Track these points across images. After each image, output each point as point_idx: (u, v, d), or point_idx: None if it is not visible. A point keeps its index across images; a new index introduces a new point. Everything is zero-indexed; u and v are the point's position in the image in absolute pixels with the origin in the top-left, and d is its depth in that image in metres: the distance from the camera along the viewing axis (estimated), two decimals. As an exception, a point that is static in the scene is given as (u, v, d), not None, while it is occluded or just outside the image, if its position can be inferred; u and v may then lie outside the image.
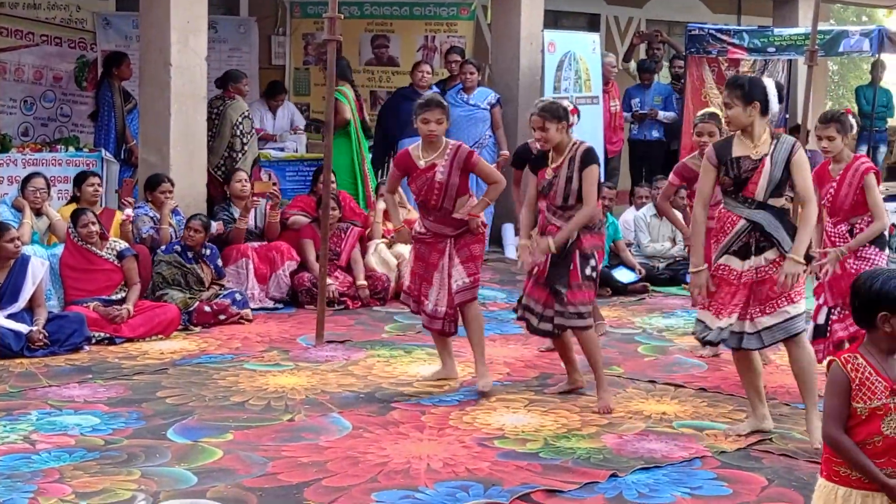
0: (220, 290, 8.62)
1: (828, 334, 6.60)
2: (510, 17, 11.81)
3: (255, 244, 9.28)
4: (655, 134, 13.06)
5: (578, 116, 6.53)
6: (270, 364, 7.23)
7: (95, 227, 8.10)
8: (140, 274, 8.25)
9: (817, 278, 6.68)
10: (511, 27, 11.84)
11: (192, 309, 8.31)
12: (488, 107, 11.28)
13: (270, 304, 9.08)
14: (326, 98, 8.27)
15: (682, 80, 12.81)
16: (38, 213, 8.52)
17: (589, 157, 6.25)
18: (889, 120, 14.66)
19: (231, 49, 12.69)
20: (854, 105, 15.03)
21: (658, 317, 9.02)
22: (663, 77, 13.69)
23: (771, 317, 5.55)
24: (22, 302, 7.52)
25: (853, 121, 6.73)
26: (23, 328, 7.35)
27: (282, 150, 11.19)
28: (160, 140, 9.24)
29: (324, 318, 7.89)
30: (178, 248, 8.59)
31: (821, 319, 6.63)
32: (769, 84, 5.71)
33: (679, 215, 7.99)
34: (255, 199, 9.29)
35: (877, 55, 12.78)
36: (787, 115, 12.99)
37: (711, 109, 8.31)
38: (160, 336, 7.93)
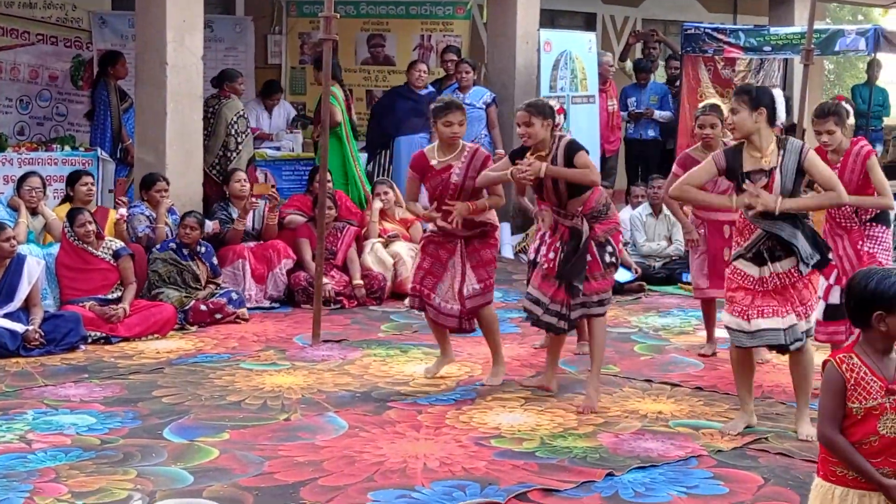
0: (217, 288, 8.62)
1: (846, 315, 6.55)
2: (506, 17, 11.80)
3: (251, 244, 9.28)
4: (651, 133, 13.03)
5: (565, 116, 6.50)
6: (267, 363, 7.23)
7: (92, 227, 8.09)
8: (136, 273, 8.24)
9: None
10: (507, 26, 11.82)
11: (188, 308, 8.31)
12: (484, 106, 11.26)
13: (267, 303, 9.09)
14: (323, 98, 8.26)
15: (678, 83, 12.80)
16: (33, 212, 8.50)
17: (571, 148, 6.23)
18: (885, 119, 14.66)
19: (227, 48, 12.68)
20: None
21: (654, 316, 9.02)
22: (659, 77, 13.68)
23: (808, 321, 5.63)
24: (18, 301, 7.52)
25: (848, 107, 6.63)
26: (19, 327, 7.35)
27: (278, 149, 11.17)
28: (156, 139, 9.23)
29: (320, 318, 7.89)
30: (173, 245, 8.58)
31: (833, 299, 6.46)
32: (778, 94, 5.69)
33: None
34: (253, 200, 9.28)
35: (873, 54, 12.79)
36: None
37: (713, 101, 8.22)
38: (156, 335, 7.92)
